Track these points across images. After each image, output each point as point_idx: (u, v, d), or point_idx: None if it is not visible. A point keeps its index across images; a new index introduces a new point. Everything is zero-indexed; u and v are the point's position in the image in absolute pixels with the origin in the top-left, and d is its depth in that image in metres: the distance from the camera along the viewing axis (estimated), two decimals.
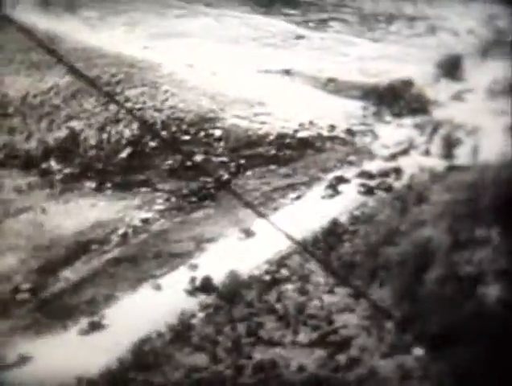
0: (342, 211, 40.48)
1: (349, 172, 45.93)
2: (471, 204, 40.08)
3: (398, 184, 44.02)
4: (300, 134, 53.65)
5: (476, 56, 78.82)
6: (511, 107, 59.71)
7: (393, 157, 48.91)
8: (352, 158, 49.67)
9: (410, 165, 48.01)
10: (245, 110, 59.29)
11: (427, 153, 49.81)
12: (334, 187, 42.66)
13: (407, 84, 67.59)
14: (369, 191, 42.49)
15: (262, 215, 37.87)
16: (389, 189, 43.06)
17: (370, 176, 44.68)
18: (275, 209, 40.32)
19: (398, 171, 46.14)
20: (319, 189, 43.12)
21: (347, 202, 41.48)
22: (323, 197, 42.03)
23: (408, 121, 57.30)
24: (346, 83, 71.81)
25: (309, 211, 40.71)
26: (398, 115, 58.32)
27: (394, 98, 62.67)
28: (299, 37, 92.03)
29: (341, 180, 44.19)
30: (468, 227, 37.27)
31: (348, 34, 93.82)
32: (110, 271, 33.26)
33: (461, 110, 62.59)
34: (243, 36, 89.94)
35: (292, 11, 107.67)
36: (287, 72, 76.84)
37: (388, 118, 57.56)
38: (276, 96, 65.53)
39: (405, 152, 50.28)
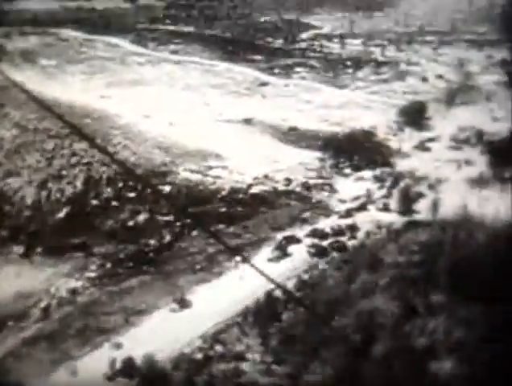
0: (289, 275, 37.44)
1: (302, 231, 43.01)
2: (426, 267, 37.33)
3: (353, 243, 40.87)
4: (254, 189, 50.81)
5: (443, 103, 76.43)
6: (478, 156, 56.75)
7: (349, 213, 46.14)
8: (306, 214, 46.80)
9: (367, 221, 45.23)
10: (199, 163, 56.66)
11: (385, 208, 47.00)
12: (283, 248, 39.72)
13: (369, 134, 65.13)
14: (320, 253, 39.72)
15: (202, 281, 34.58)
16: (342, 249, 40.27)
17: (323, 235, 41.88)
18: (219, 274, 37.09)
19: (353, 229, 43.29)
20: (267, 250, 39.96)
21: (295, 265, 38.60)
22: (270, 260, 38.88)
23: (368, 173, 54.70)
24: (307, 132, 69.42)
25: (254, 276, 37.44)
26: (357, 167, 55.74)
27: (355, 149, 60.10)
28: (264, 84, 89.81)
29: (292, 240, 41.30)
30: (422, 293, 34.32)
31: (314, 80, 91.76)
32: (23, 352, 29.72)
33: (424, 161, 60.18)
34: (206, 84, 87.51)
35: (258, 57, 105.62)
36: (248, 122, 74.40)
37: (347, 171, 54.94)
38: (234, 147, 62.90)
39: (362, 207, 47.44)
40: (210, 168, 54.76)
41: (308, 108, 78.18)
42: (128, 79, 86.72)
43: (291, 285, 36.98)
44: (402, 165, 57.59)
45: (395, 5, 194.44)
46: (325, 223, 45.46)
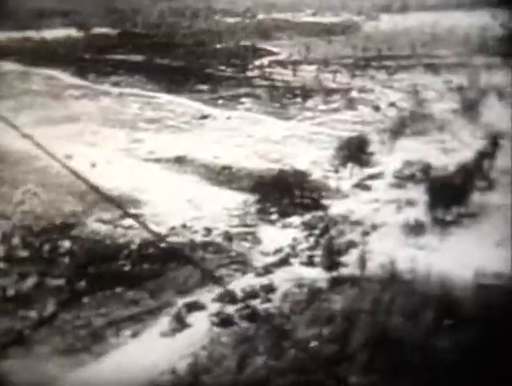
0: (183, 353, 31.39)
1: (210, 293, 36.76)
2: (340, 343, 31.71)
3: (266, 307, 34.94)
4: (168, 242, 44.51)
5: (392, 133, 70.93)
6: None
7: (268, 269, 40.45)
8: (222, 271, 40.72)
9: (287, 280, 39.28)
10: (114, 212, 50.48)
11: (310, 262, 41.36)
12: (182, 319, 34.14)
13: (303, 173, 59.44)
14: (224, 322, 33.84)
15: (78, 365, 28.67)
16: (250, 317, 34.00)
17: (233, 299, 35.61)
18: (99, 355, 31.10)
19: (269, 290, 37.23)
20: (164, 321, 33.91)
21: (193, 339, 32.32)
22: (164, 334, 32.99)
23: (297, 219, 48.53)
24: (241, 171, 63.98)
25: (143, 355, 31.71)
26: (286, 213, 49.53)
27: (285, 191, 54.13)
28: (204, 117, 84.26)
29: (195, 307, 35.61)
30: (333, 376, 28.76)
31: (259, 111, 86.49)
32: None
33: (363, 202, 54.88)
34: (142, 119, 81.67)
35: (204, 87, 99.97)
36: (180, 160, 68.88)
37: (274, 216, 49.14)
38: (156, 191, 57.35)
39: (284, 261, 41.69)
40: (124, 217, 48.56)
41: (248, 142, 72.79)
42: (58, 115, 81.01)
43: (184, 365, 30.88)
44: (337, 208, 51.82)
45: (356, 30, 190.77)
46: (239, 283, 39.16)
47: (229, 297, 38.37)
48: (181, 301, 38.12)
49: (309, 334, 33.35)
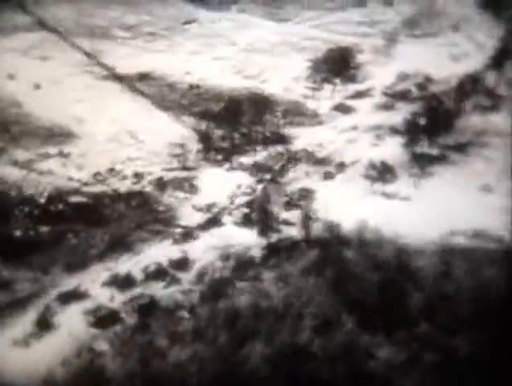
0: (38, 370, 22.62)
1: (108, 271, 27.87)
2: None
3: (168, 294, 25.98)
4: (84, 194, 35.57)
5: (393, 37, 59.93)
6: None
7: (189, 234, 30.77)
8: (135, 236, 32.07)
9: (211, 247, 30.30)
10: (36, 150, 42.07)
11: (246, 221, 31.36)
12: (48, 317, 25.57)
13: (277, 95, 49.33)
14: (102, 322, 24.82)
15: None
16: (144, 311, 25.05)
17: (129, 282, 26.56)
18: None
19: (181, 265, 28.15)
20: (29, 319, 25.13)
21: (55, 349, 23.52)
22: (16, 343, 24.23)
23: (250, 159, 38.73)
24: (210, 91, 53.91)
25: None
26: (238, 149, 39.73)
27: (250, 119, 44.18)
28: (189, 22, 73.33)
29: (73, 297, 26.51)
30: None
31: (253, 12, 74.89)
32: None
33: (338, 130, 44.15)
34: (117, 24, 71.31)
35: None
36: (144, 77, 58.66)
37: (220, 155, 39.04)
38: (97, 122, 47.73)
39: (215, 221, 32.16)
40: (45, 157, 39.31)
41: (229, 53, 62.55)
42: (10, 24, 70.53)
43: None
44: (304, 139, 41.77)
45: None
46: (146, 257, 29.96)
47: (125, 280, 28.84)
48: (58, 289, 28.68)
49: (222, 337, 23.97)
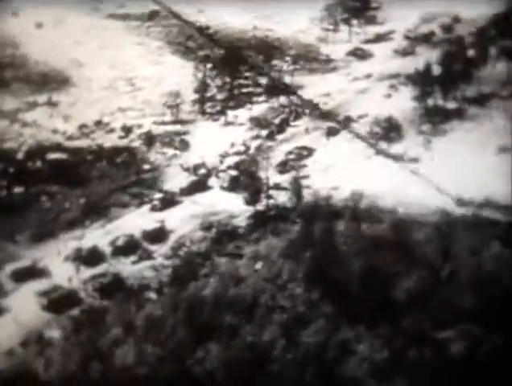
0: None
1: (71, 242, 25.30)
2: None
3: (137, 271, 23.17)
4: (65, 149, 33.17)
5: None
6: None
7: (170, 201, 28.15)
8: (116, 199, 28.80)
9: (192, 216, 27.22)
10: (33, 96, 40.29)
11: (234, 185, 28.31)
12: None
13: (290, 38, 45.57)
14: (59, 304, 22.20)
15: None
16: (107, 291, 22.35)
17: (97, 257, 24.12)
18: None
19: (157, 236, 25.08)
20: None
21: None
22: None
23: (247, 112, 35.37)
24: (216, 33, 50.62)
25: None
26: (237, 100, 36.43)
27: (256, 65, 40.87)
28: None
29: (28, 274, 23.55)
30: None
31: None
32: None
33: (348, 80, 40.57)
34: None
35: None
36: (152, 16, 55.59)
37: (218, 107, 35.88)
38: (94, 66, 45.39)
39: (201, 184, 29.04)
40: (33, 106, 36.65)
41: None
42: None
43: None
44: (312, 89, 38.08)
45: None
46: (120, 226, 27.09)
47: (91, 255, 25.95)
48: (15, 264, 25.87)
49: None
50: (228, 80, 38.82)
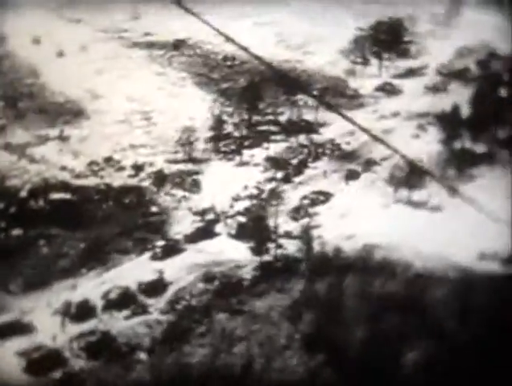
0: None
1: (63, 293, 23.45)
2: None
3: (122, 327, 21.57)
4: (74, 184, 31.18)
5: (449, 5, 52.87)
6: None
7: (173, 248, 26.30)
8: (119, 244, 27.41)
9: (195, 265, 25.42)
10: (33, 132, 37.80)
11: (242, 232, 26.39)
12: None
13: (317, 70, 43.60)
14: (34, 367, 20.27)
15: None
16: (93, 351, 20.48)
17: (84, 310, 22.44)
18: None
19: (153, 289, 23.25)
20: None
21: None
22: None
23: (263, 152, 33.38)
24: (241, 65, 48.60)
25: None
26: (254, 139, 34.42)
27: (277, 101, 38.91)
28: None
29: (10, 330, 21.83)
30: None
31: None
32: None
33: (375, 118, 38.40)
34: None
35: None
36: (177, 46, 54.15)
37: (230, 147, 33.83)
38: (112, 97, 43.67)
39: (207, 231, 27.18)
40: (44, 140, 35.25)
41: (281, 17, 55.38)
42: None
43: None
44: (336, 127, 35.81)
45: None
46: (117, 275, 25.21)
47: (78, 307, 24.05)
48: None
49: None
50: (246, 116, 36.62)
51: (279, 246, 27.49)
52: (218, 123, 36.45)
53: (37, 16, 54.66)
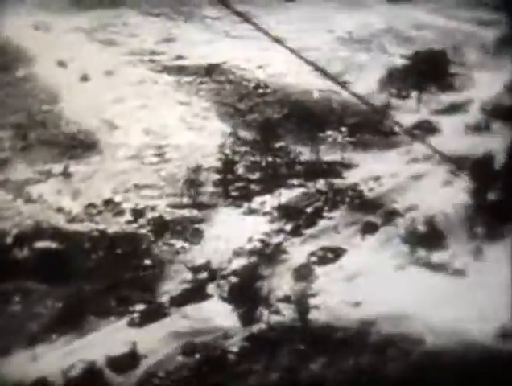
0: None
1: (21, 367, 20.55)
2: None
3: None
4: (65, 230, 28.79)
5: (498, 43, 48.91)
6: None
7: (155, 312, 22.80)
8: (97, 305, 24.26)
9: (177, 335, 22.54)
10: (35, 166, 34.94)
11: (233, 295, 23.33)
12: None
13: (352, 102, 40.50)
14: None
15: None
16: None
17: None
18: None
19: (124, 364, 20.29)
20: None
21: None
22: None
23: (274, 199, 30.21)
24: (274, 94, 45.59)
25: None
26: (262, 184, 31.20)
27: (300, 137, 35.65)
28: None
29: None
30: None
31: None
32: None
33: (405, 161, 34.97)
34: None
35: None
36: (210, 71, 51.35)
37: (240, 192, 30.74)
38: (129, 129, 40.63)
39: (198, 292, 24.12)
40: (45, 177, 32.75)
41: (319, 42, 52.38)
42: None
43: None
44: (361, 170, 32.36)
45: None
46: (85, 346, 22.21)
47: None
48: None
49: None
50: (259, 158, 33.17)
51: (277, 312, 23.95)
52: (228, 165, 32.97)
53: (68, 37, 52.15)
